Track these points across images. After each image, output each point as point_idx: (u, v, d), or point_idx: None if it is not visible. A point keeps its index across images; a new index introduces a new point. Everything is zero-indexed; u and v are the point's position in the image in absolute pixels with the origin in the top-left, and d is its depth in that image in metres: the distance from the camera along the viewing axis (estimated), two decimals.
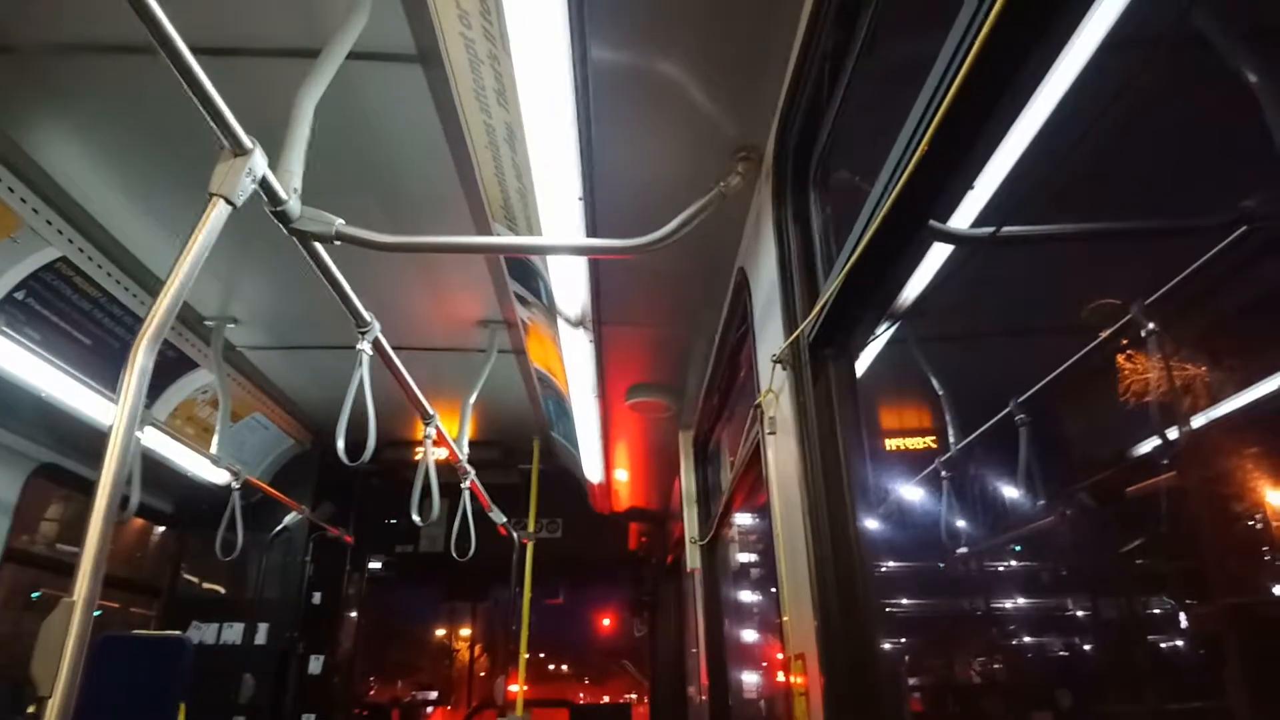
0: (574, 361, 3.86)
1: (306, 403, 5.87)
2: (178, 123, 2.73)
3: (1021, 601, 5.47)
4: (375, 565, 7.80)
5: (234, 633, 5.94)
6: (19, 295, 3.42)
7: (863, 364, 2.97)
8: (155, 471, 4.85)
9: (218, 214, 1.66)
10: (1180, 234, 2.46)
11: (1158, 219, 2.44)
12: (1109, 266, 3.15)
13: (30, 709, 1.17)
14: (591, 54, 2.10)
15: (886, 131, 1.49)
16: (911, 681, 5.41)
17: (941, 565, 5.29)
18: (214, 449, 4.64)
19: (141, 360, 1.46)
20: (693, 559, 4.99)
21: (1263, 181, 2.15)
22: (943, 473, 4.17)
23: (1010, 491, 4.29)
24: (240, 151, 1.71)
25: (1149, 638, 4.33)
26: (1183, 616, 4.02)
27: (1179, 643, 4.11)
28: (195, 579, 6.25)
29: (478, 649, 19.71)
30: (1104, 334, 3.02)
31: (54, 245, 3.37)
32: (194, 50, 1.54)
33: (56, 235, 3.35)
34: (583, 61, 2.06)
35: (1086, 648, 5.05)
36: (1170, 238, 2.53)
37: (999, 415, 3.64)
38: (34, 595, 6.32)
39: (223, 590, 6.27)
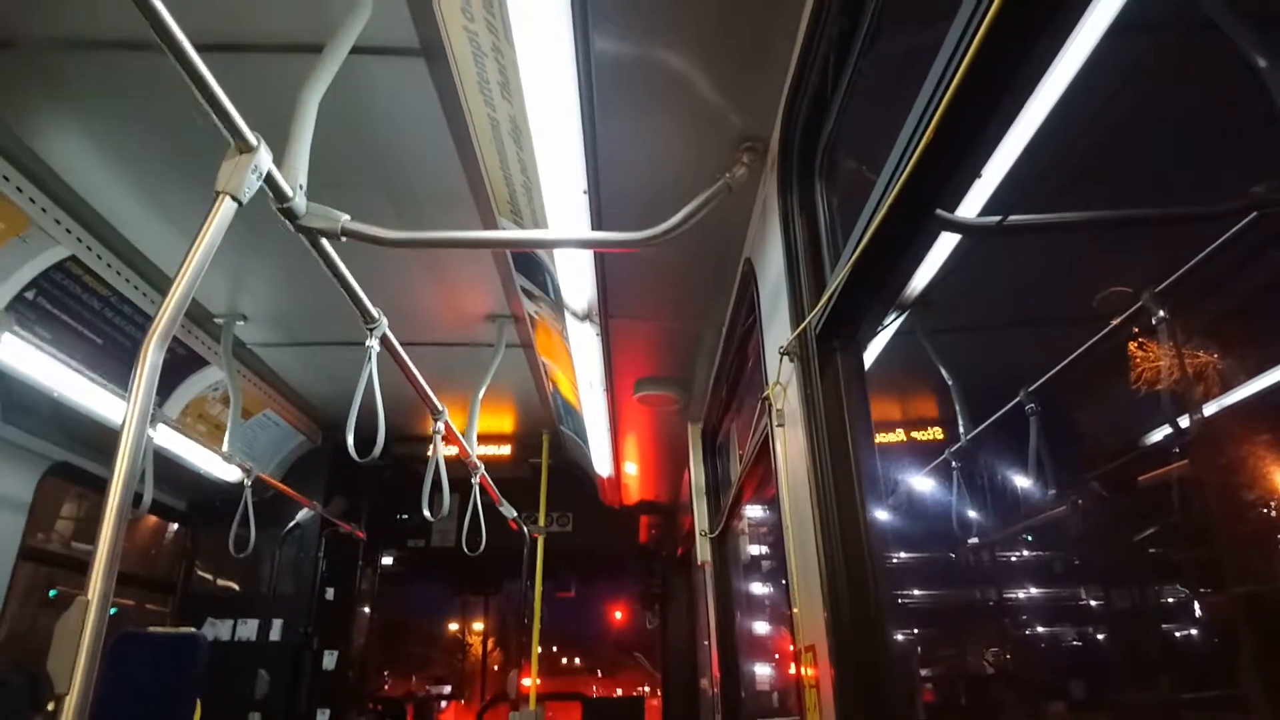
0: (581, 356, 3.86)
1: (316, 399, 5.89)
2: (184, 120, 2.73)
3: (1034, 591, 5.45)
4: (387, 560, 7.85)
5: (248, 629, 5.98)
6: (30, 295, 3.44)
7: (871, 355, 2.97)
8: (168, 469, 4.88)
9: (224, 211, 1.67)
10: (1190, 221, 2.43)
11: (1167, 206, 2.42)
12: (1119, 255, 3.13)
13: (50, 706, 1.19)
14: (595, 45, 2.09)
15: (892, 120, 1.48)
16: (923, 672, 5.41)
17: (953, 556, 5.28)
18: (225, 446, 4.66)
19: (151, 357, 1.46)
20: (703, 551, 5.00)
21: (1273, 167, 2.13)
22: (953, 463, 4.16)
23: (1021, 481, 4.28)
24: (245, 148, 1.71)
25: (1162, 627, 4.31)
26: (1196, 605, 4.00)
27: (1192, 631, 4.10)
28: (209, 576, 6.30)
29: (490, 643, 19.81)
30: (1115, 322, 3.01)
31: (63, 244, 3.39)
32: (197, 47, 1.55)
33: (65, 234, 3.37)
34: (586, 53, 2.05)
35: (1100, 637, 5.04)
36: (1180, 225, 2.51)
37: (1009, 405, 3.62)
38: (51, 593, 6.38)
39: (237, 587, 6.31)
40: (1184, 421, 3.21)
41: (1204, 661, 3.90)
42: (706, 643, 5.08)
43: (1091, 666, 4.99)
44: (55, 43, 2.55)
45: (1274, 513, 3.04)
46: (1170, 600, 4.23)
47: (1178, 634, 4.23)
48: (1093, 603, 5.15)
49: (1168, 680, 3.99)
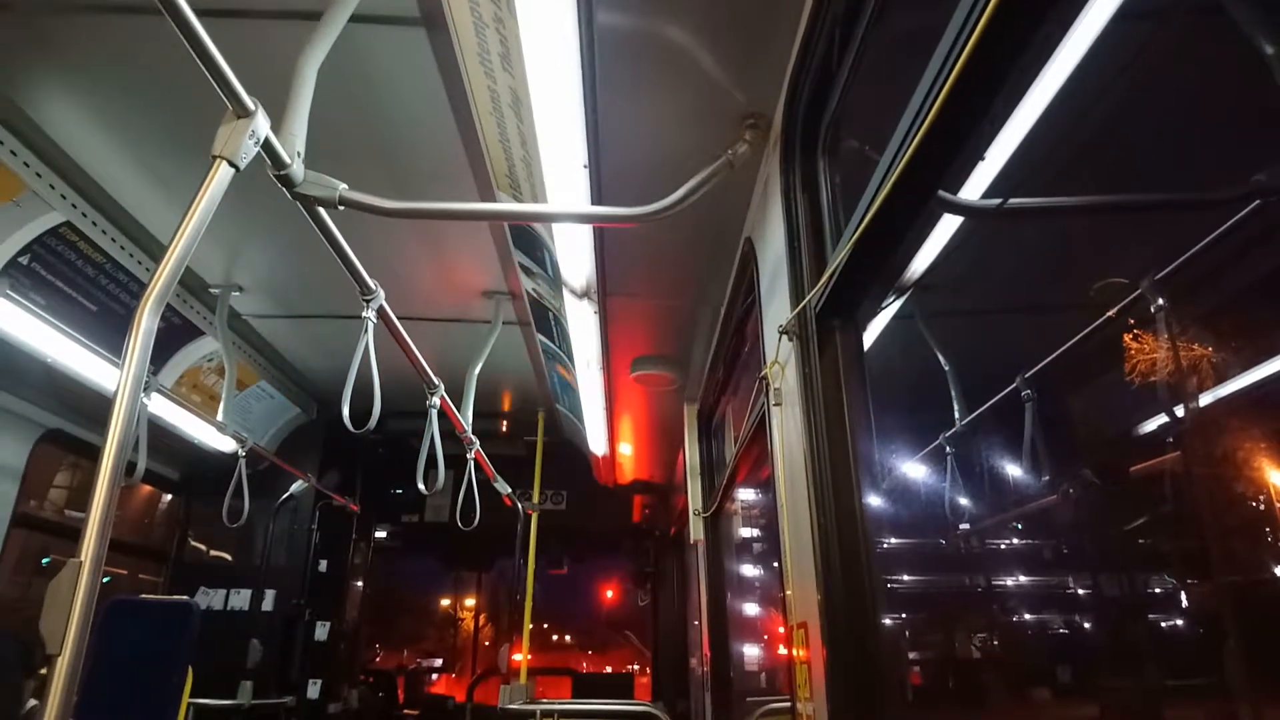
0: (579, 333, 3.85)
1: (312, 371, 5.89)
2: (181, 85, 2.72)
3: (1023, 579, 5.48)
4: (381, 534, 7.87)
5: (241, 599, 6.01)
6: (24, 260, 3.42)
7: (868, 338, 2.96)
8: (162, 438, 4.88)
9: (220, 176, 1.65)
10: (1191, 208, 2.42)
11: (1168, 192, 2.41)
12: (1120, 243, 3.12)
13: (43, 670, 1.20)
14: (597, 17, 2.07)
15: (897, 99, 1.47)
16: (913, 656, 5.45)
17: (943, 542, 5.30)
18: (220, 416, 4.66)
19: (146, 323, 1.46)
20: (696, 531, 5.02)
21: (1276, 155, 2.12)
22: (947, 448, 4.17)
23: (1014, 469, 4.29)
24: (243, 113, 1.70)
25: (1150, 616, 4.34)
26: (1184, 595, 4.03)
27: (1179, 621, 4.12)
28: (203, 546, 6.31)
29: (482, 618, 19.92)
30: (1112, 311, 3.00)
31: (57, 210, 3.37)
32: (196, 11, 1.53)
33: (60, 200, 3.34)
34: (588, 25, 2.03)
35: (1087, 625, 5.07)
36: (1181, 211, 2.50)
37: (1005, 391, 3.62)
38: (44, 561, 6.40)
39: (230, 557, 6.33)
40: (1179, 411, 3.21)
41: (1190, 650, 3.92)
42: (697, 622, 5.11)
43: (1079, 653, 5.03)
44: (51, 5, 2.51)
45: (1263, 505, 3.06)
46: (1158, 590, 4.25)
47: (1164, 623, 4.25)
48: (1081, 591, 5.17)
49: (1154, 668, 4.02)
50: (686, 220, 2.51)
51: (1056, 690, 4.75)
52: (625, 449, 6.67)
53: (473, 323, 4.65)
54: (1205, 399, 3.04)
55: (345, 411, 2.59)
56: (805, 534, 1.96)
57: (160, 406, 4.55)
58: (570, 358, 4.19)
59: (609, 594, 19.91)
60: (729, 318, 3.66)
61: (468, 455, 4.43)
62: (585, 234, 3.01)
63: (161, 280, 1.50)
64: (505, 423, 6.67)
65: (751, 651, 5.54)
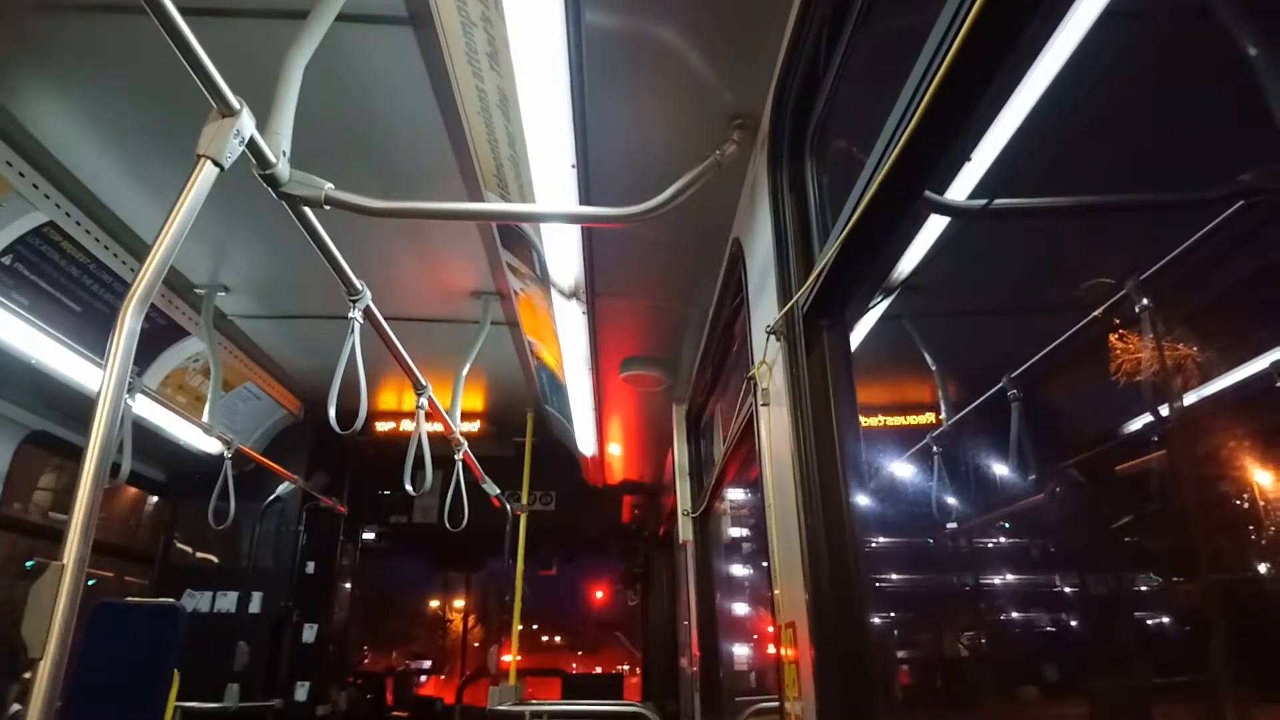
0: (567, 334, 3.84)
1: (298, 372, 5.85)
2: (165, 84, 2.70)
3: (1010, 577, 5.51)
4: (369, 535, 7.84)
5: (228, 601, 5.97)
6: (6, 260, 3.39)
7: (856, 338, 2.97)
8: (147, 440, 4.84)
9: (205, 176, 1.64)
10: (1176, 208, 2.44)
11: (1154, 193, 2.43)
12: (1107, 245, 3.14)
13: (27, 675, 1.19)
14: (585, 17, 2.07)
15: (884, 99, 1.47)
16: (900, 654, 5.47)
17: (930, 541, 5.32)
18: (205, 418, 4.63)
19: (129, 323, 1.45)
20: (685, 531, 5.02)
21: (1261, 155, 2.13)
22: (934, 448, 4.18)
23: (1001, 468, 4.31)
24: (228, 112, 1.69)
25: (1136, 614, 4.36)
26: (1170, 593, 4.05)
27: (1165, 619, 4.15)
28: (189, 548, 6.27)
29: (471, 619, 19.87)
30: (1098, 311, 3.02)
31: (40, 210, 3.34)
32: (181, 10, 1.52)
33: (43, 200, 3.32)
34: (576, 24, 2.02)
35: (1074, 623, 5.10)
36: (1166, 211, 2.52)
37: (991, 390, 3.64)
38: (28, 564, 6.34)
39: (216, 559, 6.29)
40: (1164, 410, 3.23)
41: (1176, 648, 3.95)
42: (686, 622, 5.11)
43: (1067, 651, 5.05)
44: (36, 4, 2.49)
45: (1247, 504, 3.08)
46: (1144, 588, 4.28)
47: (1150, 621, 4.28)
48: (1068, 589, 5.20)
49: (1140, 666, 4.05)
50: (675, 221, 2.51)
51: (1044, 688, 4.77)
52: (614, 449, 6.67)
53: (461, 323, 4.63)
54: (1190, 398, 3.07)
55: (332, 412, 2.58)
56: (793, 533, 1.96)
57: (145, 408, 4.52)
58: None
59: (598, 594, 19.91)
60: (717, 318, 3.67)
61: (456, 456, 4.42)
62: (574, 234, 3.00)
63: (145, 280, 1.50)
64: (494, 423, 6.65)
65: (741, 651, 5.54)
